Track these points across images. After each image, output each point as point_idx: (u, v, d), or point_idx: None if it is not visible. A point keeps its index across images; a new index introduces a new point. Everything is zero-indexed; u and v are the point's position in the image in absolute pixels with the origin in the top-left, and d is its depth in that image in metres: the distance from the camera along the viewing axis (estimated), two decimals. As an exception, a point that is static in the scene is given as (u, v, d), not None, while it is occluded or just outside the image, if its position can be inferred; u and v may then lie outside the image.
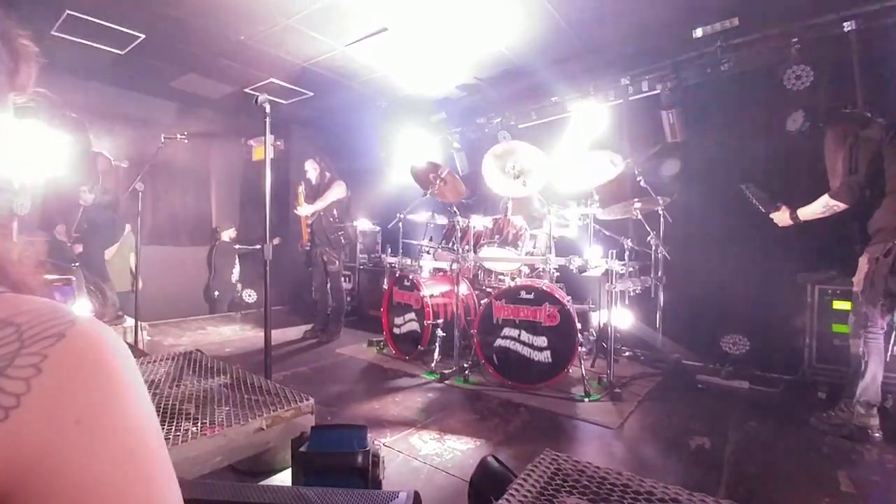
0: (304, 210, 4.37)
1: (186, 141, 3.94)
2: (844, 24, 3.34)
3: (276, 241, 6.31)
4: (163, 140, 3.76)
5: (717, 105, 4.02)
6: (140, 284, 3.84)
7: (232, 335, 4.86)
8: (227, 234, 6.16)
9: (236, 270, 6.29)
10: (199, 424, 1.61)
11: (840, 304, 3.09)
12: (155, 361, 2.33)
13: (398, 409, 2.81)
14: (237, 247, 6.22)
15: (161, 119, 5.58)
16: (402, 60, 4.64)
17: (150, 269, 5.29)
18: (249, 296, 6.31)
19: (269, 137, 2.50)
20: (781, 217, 2.74)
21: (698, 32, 3.77)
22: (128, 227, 4.80)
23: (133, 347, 3.56)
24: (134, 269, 3.85)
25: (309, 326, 4.71)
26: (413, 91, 5.41)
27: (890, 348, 2.40)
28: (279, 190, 6.53)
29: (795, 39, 3.52)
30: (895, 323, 2.37)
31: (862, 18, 3.30)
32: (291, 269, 6.09)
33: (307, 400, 1.86)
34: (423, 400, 2.97)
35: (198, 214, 6.33)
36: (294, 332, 4.74)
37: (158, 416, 1.47)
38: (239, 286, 6.30)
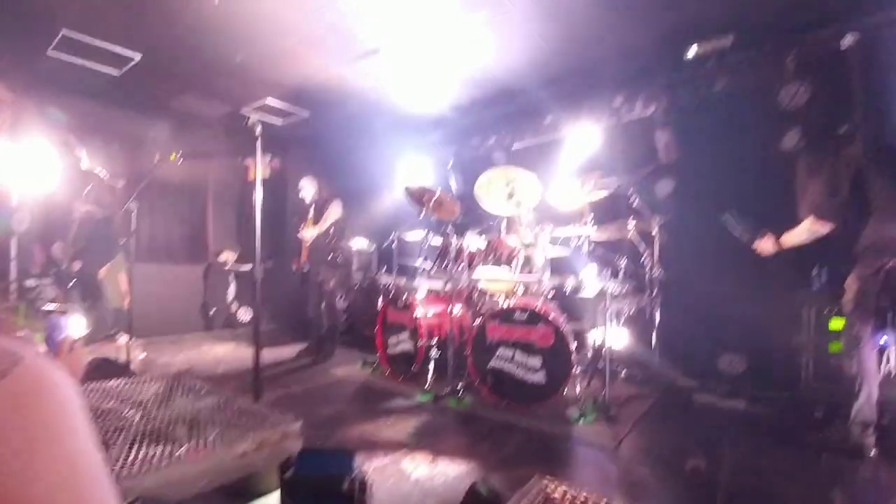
0: (310, 234, 4.34)
1: (182, 160, 3.96)
2: (843, 39, 3.37)
3: (268, 263, 6.32)
4: (157, 160, 3.77)
5: (711, 125, 4.06)
6: (130, 302, 3.81)
7: (226, 354, 4.82)
8: (226, 256, 6.16)
9: (232, 289, 6.27)
10: (184, 447, 1.59)
11: (835, 324, 3.08)
12: (145, 382, 2.31)
13: (390, 431, 2.77)
14: (228, 268, 6.21)
15: (158, 138, 5.63)
16: (397, 81, 4.71)
17: (147, 287, 5.26)
18: (244, 314, 6.27)
19: (261, 158, 2.52)
20: (765, 245, 2.75)
21: (691, 52, 3.83)
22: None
23: (125, 366, 3.52)
24: (127, 287, 3.84)
25: (303, 345, 4.67)
26: (408, 111, 5.48)
27: (883, 367, 2.38)
28: (276, 208, 6.56)
29: (791, 56, 3.56)
30: (890, 343, 2.36)
31: (861, 32, 3.33)
32: (287, 287, 6.06)
33: (295, 423, 1.83)
34: (416, 422, 2.92)
35: (194, 233, 6.35)
36: (288, 352, 4.70)
37: (145, 438, 1.44)
38: (235, 304, 6.27)
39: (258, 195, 2.47)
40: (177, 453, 1.53)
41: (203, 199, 6.45)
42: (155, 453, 1.51)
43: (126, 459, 1.43)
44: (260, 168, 2.49)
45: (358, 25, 3.71)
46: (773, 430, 2.81)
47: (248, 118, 2.41)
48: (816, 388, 3.11)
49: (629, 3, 3.36)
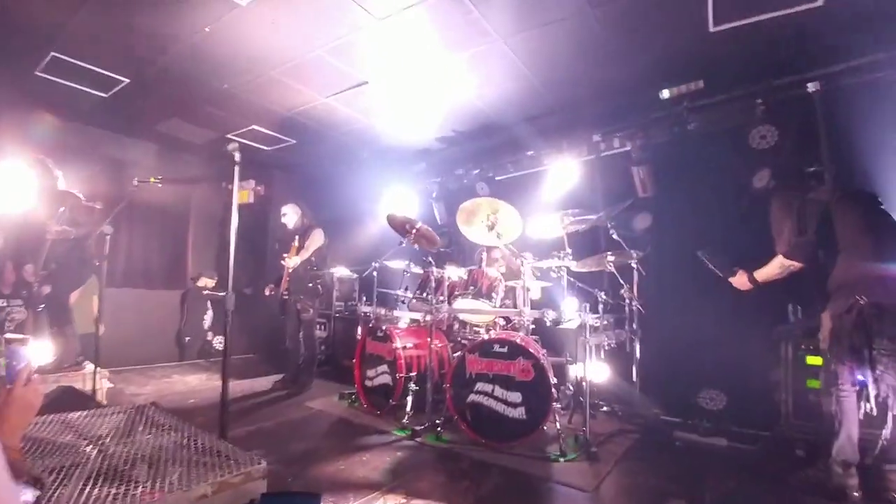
0: (294, 262, 4.25)
1: (160, 185, 3.91)
2: (808, 85, 3.57)
3: (248, 290, 6.20)
4: (135, 183, 3.71)
5: (686, 162, 4.19)
6: (102, 329, 3.67)
7: (198, 384, 4.64)
8: (204, 282, 6.03)
9: (209, 316, 6.10)
10: (140, 489, 1.49)
11: (813, 360, 3.08)
12: (106, 415, 2.19)
13: (365, 469, 2.65)
14: (206, 293, 6.07)
15: (142, 162, 5.60)
16: (383, 112, 4.78)
17: (121, 313, 5.11)
18: (220, 343, 6.09)
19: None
20: (740, 281, 2.81)
21: (665, 94, 3.99)
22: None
23: (90, 396, 3.36)
24: (98, 313, 3.70)
25: (279, 377, 4.52)
26: (394, 142, 5.55)
27: (862, 405, 2.37)
28: (258, 234, 6.50)
29: (760, 100, 3.73)
30: (866, 379, 2.36)
31: (825, 79, 3.52)
32: (265, 316, 5.94)
33: (259, 464, 1.74)
34: (392, 459, 2.81)
35: (173, 258, 6.22)
36: (263, 383, 4.54)
37: (100, 476, 1.36)
38: (210, 333, 6.10)
39: (234, 221, 2.43)
40: (131, 494, 1.44)
41: (184, 223, 6.36)
42: (109, 493, 1.42)
43: (78, 499, 1.33)
44: (237, 194, 2.46)
45: (346, 59, 3.79)
46: (755, 469, 2.78)
47: (227, 145, 2.39)
48: (796, 426, 3.09)
49: (605, 47, 3.52)
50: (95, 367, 3.50)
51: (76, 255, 4.22)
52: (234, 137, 5.35)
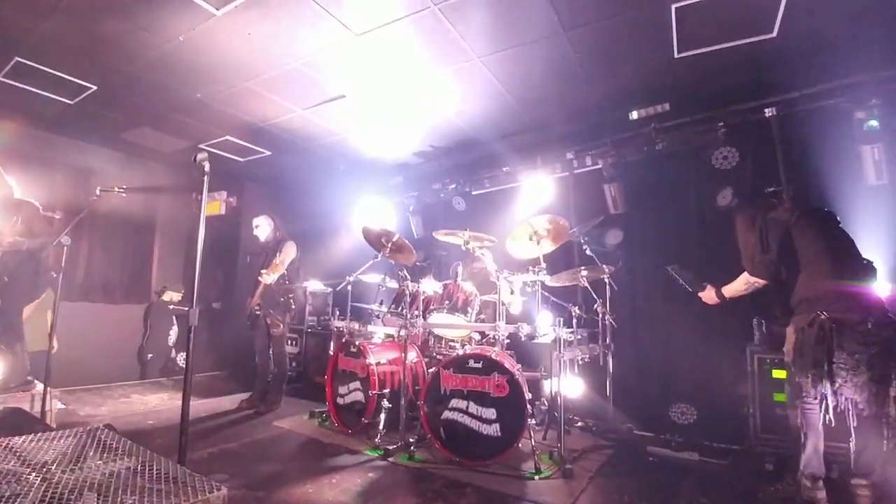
0: (272, 278, 4.08)
1: (125, 194, 3.77)
2: (766, 110, 3.77)
3: (216, 305, 6.00)
4: (98, 192, 3.57)
5: (655, 180, 4.32)
6: (55, 346, 3.46)
7: (159, 404, 4.42)
8: (170, 296, 5.79)
9: (174, 332, 5.86)
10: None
11: (779, 374, 3.17)
12: (54, 439, 2.03)
13: (334, 492, 2.56)
14: (172, 307, 5.84)
15: (107, 170, 5.39)
16: (360, 126, 4.77)
17: (78, 329, 4.87)
18: (183, 360, 5.85)
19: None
20: (709, 296, 2.88)
21: (634, 115, 4.13)
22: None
23: (39, 418, 3.15)
24: (51, 328, 3.48)
25: (247, 395, 4.35)
26: (371, 155, 5.53)
27: (823, 417, 2.43)
28: (227, 247, 6.33)
29: (721, 123, 3.91)
30: (827, 392, 2.41)
31: (781, 105, 3.74)
32: (233, 332, 5.75)
33: (219, 490, 1.64)
34: (363, 481, 2.72)
35: (136, 270, 5.97)
36: (229, 402, 4.36)
37: None
38: (175, 350, 5.84)
39: (201, 233, 2.34)
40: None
41: (150, 235, 6.13)
42: (50, 529, 1.31)
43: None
44: (206, 205, 2.38)
45: (323, 73, 3.78)
46: (726, 484, 2.80)
47: (196, 155, 2.31)
48: (765, 440, 3.15)
49: (577, 69, 3.63)
50: (46, 387, 3.29)
51: (30, 267, 3.99)
52: (206, 148, 5.22)
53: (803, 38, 3.20)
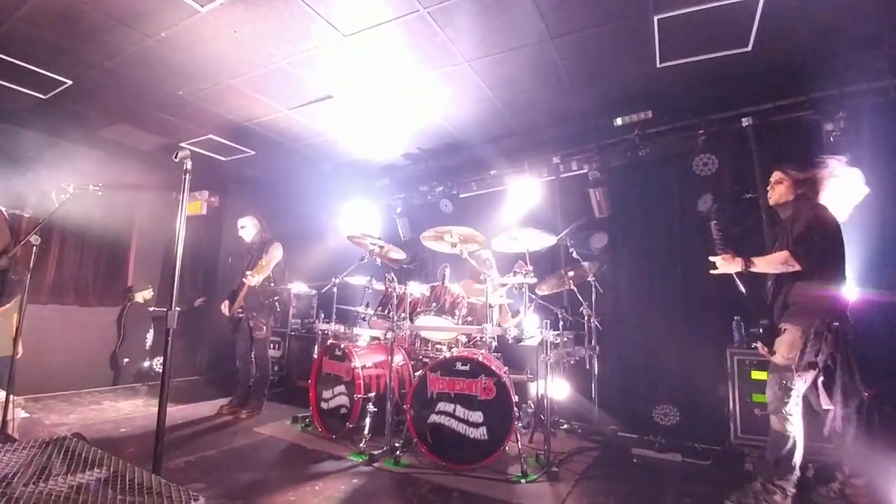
0: (257, 280, 3.95)
1: (101, 193, 3.65)
2: (742, 119, 3.91)
3: (199, 301, 5.84)
4: (71, 190, 3.44)
5: (639, 185, 4.41)
6: (20, 351, 3.30)
7: (132, 411, 4.26)
8: (142, 296, 5.61)
9: (150, 335, 5.68)
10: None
11: (758, 374, 3.23)
12: (16, 451, 1.90)
13: (317, 499, 2.50)
14: (152, 309, 5.66)
15: (82, 168, 5.20)
16: (347, 127, 4.73)
17: (46, 333, 4.68)
18: (160, 365, 5.67)
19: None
20: (726, 261, 2.63)
21: (618, 121, 4.21)
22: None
23: (0, 428, 2.99)
24: (16, 332, 3.31)
25: (227, 400, 4.24)
26: (358, 157, 5.50)
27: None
28: (209, 248, 6.18)
29: (701, 131, 4.02)
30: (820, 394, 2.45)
31: (757, 115, 3.87)
32: (213, 335, 5.61)
33: (196, 500, 1.56)
34: (347, 487, 2.67)
35: (111, 272, 5.75)
36: (209, 408, 4.23)
37: None
38: (151, 354, 5.66)
39: (181, 233, 2.28)
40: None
41: (126, 235, 5.94)
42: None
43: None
44: (186, 205, 2.31)
45: (310, 73, 3.74)
46: (708, 485, 2.82)
47: (177, 152, 2.25)
48: (745, 440, 3.21)
49: (563, 75, 3.69)
50: (8, 395, 3.11)
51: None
52: (188, 146, 5.11)
53: (776, 54, 3.36)
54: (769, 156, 3.74)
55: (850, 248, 3.22)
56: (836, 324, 2.39)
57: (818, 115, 3.62)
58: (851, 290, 3.25)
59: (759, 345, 2.71)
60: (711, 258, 2.68)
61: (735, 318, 3.50)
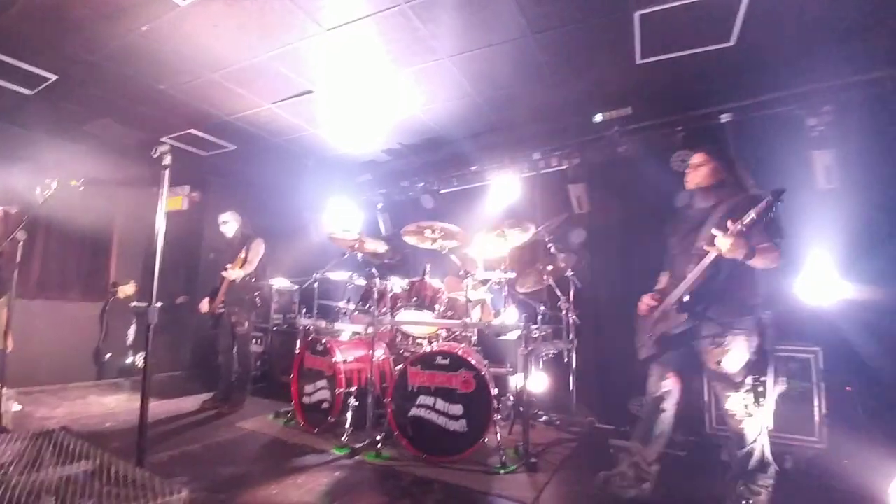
0: (237, 274, 3.98)
1: (83, 188, 3.62)
2: (722, 115, 3.95)
3: (181, 299, 5.80)
4: (55, 186, 3.40)
5: (618, 181, 4.46)
6: (11, 345, 3.30)
7: (117, 406, 4.26)
8: (125, 291, 5.56)
9: (132, 331, 5.64)
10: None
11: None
12: (10, 442, 1.98)
13: (299, 492, 2.53)
14: (134, 304, 5.62)
15: (66, 163, 5.10)
16: (329, 121, 4.72)
17: (33, 327, 4.68)
18: (143, 360, 5.63)
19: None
20: (733, 245, 2.15)
21: (598, 118, 4.25)
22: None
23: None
24: (6, 327, 3.30)
25: (209, 395, 4.24)
26: (339, 152, 5.48)
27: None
28: (190, 244, 6.13)
29: (680, 128, 4.07)
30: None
31: (737, 111, 3.91)
32: (194, 330, 5.58)
33: (179, 493, 1.61)
34: (329, 480, 2.71)
35: (94, 267, 5.71)
36: (191, 403, 4.24)
37: None
38: (134, 349, 5.63)
39: (161, 228, 2.28)
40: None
41: (109, 230, 5.87)
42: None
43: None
44: (165, 200, 2.32)
45: (291, 67, 3.72)
46: (684, 474, 2.90)
47: (156, 148, 2.25)
48: (720, 430, 3.28)
49: (544, 71, 3.72)
50: (1, 388, 3.15)
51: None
52: (169, 140, 5.05)
53: (759, 48, 3.36)
54: (748, 152, 3.80)
55: (834, 241, 3.35)
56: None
57: (801, 110, 3.64)
58: (836, 283, 3.37)
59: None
60: (716, 233, 2.18)
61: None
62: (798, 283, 3.48)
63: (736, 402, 2.32)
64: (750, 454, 2.31)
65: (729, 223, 2.15)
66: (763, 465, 2.31)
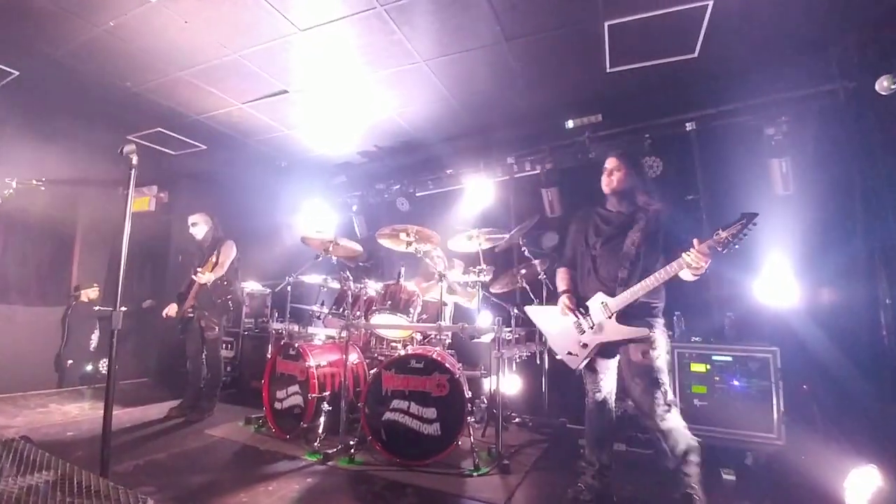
0: (207, 278, 3.86)
1: (44, 188, 3.49)
2: (686, 124, 4.11)
3: (147, 303, 5.62)
4: (13, 185, 3.27)
5: (589, 186, 4.51)
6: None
7: (79, 414, 4.09)
8: (87, 294, 5.35)
9: (96, 336, 5.42)
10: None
11: (697, 367, 3.43)
12: None
13: (270, 500, 2.49)
14: (97, 309, 5.41)
15: (28, 162, 4.88)
16: (303, 122, 4.68)
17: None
18: (106, 367, 5.43)
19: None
20: (700, 258, 2.16)
21: (570, 124, 4.36)
22: None
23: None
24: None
25: (176, 402, 4.12)
26: (314, 153, 5.43)
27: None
28: (158, 245, 5.95)
29: (647, 135, 4.21)
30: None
31: (700, 120, 4.07)
32: (161, 335, 5.41)
33: (145, 503, 1.58)
34: (301, 487, 2.67)
35: (55, 270, 5.47)
36: (157, 410, 4.10)
37: None
38: (97, 355, 5.41)
39: (126, 230, 2.22)
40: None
41: (70, 232, 5.64)
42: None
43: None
44: (132, 200, 2.26)
45: (265, 67, 3.68)
46: (651, 472, 2.98)
47: (123, 147, 2.18)
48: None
49: (517, 77, 3.80)
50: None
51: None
52: (135, 139, 4.88)
53: (721, 60, 3.53)
54: (711, 159, 3.96)
55: (791, 245, 3.49)
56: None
57: (760, 120, 3.80)
58: (792, 285, 3.52)
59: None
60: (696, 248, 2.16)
61: (676, 313, 3.71)
62: (757, 286, 3.63)
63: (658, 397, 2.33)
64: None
65: (695, 241, 2.16)
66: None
